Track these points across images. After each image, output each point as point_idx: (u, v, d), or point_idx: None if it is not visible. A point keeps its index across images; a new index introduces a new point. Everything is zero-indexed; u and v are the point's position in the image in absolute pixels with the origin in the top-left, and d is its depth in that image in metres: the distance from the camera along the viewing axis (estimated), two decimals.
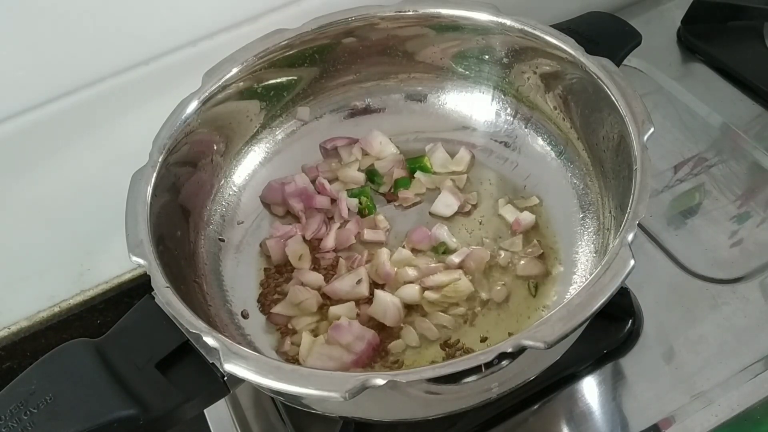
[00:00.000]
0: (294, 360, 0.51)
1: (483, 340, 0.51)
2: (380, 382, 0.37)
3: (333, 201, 0.60)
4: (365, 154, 0.63)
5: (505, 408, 0.53)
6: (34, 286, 0.65)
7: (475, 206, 0.59)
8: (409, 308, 0.53)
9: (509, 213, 0.57)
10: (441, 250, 0.56)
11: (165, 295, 0.42)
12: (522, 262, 0.55)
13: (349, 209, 0.59)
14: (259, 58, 0.56)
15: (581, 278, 0.53)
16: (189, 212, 0.55)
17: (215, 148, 0.57)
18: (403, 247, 0.56)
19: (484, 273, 0.55)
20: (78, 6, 0.52)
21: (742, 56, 0.74)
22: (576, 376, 0.54)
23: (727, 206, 0.63)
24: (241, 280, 0.56)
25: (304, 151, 0.63)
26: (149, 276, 0.43)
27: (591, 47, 0.53)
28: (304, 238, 0.58)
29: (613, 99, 0.50)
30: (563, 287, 0.53)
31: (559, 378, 0.54)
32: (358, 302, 0.53)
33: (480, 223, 0.58)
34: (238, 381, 0.41)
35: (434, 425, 0.50)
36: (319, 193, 0.60)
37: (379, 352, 0.51)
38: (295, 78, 0.61)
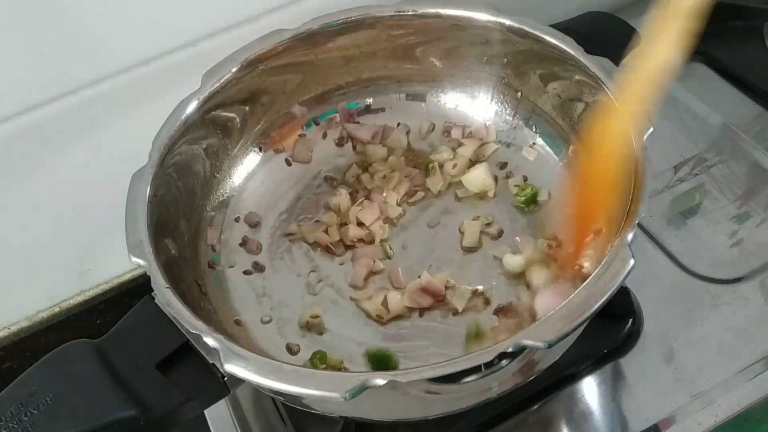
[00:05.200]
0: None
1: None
2: (380, 382, 0.37)
3: None
4: None
5: (505, 408, 0.53)
6: (34, 286, 0.65)
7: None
8: None
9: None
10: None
11: (165, 295, 0.42)
12: None
13: None
14: (258, 57, 0.56)
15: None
16: (189, 212, 0.55)
17: (215, 148, 0.57)
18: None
19: None
20: (78, 6, 0.52)
21: (742, 56, 0.74)
22: (576, 376, 0.54)
23: (727, 206, 0.63)
24: None
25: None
26: (149, 276, 0.43)
27: (591, 47, 0.53)
28: None
29: (613, 99, 0.50)
30: None
31: (559, 378, 0.54)
32: None
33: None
34: (238, 381, 0.41)
35: (434, 425, 0.50)
36: None
37: None
38: (294, 77, 0.61)
